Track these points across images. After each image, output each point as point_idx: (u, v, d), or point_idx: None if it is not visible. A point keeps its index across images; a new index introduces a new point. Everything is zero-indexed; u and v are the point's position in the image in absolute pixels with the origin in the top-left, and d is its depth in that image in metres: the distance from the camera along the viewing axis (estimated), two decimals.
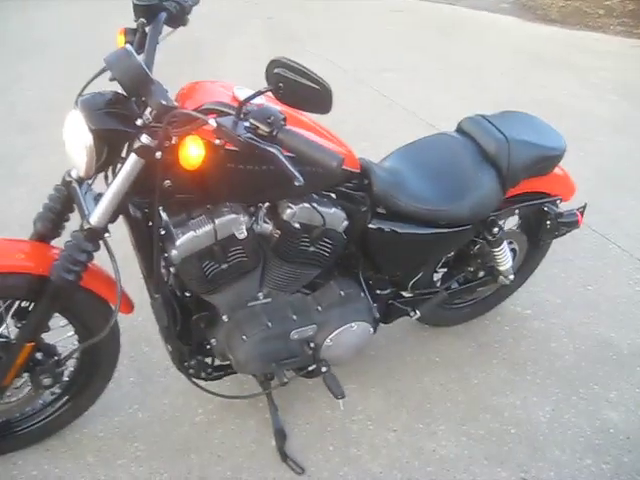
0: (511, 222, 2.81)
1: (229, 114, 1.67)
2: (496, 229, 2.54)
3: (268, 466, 2.32)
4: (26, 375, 2.12)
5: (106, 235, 1.90)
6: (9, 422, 2.29)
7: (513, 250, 2.85)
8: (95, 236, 1.88)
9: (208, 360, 2.33)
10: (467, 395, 2.65)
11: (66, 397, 2.32)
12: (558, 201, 2.73)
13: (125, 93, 1.75)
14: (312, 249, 2.15)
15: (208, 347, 2.28)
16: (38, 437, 2.35)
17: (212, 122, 1.61)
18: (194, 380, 2.29)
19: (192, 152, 1.70)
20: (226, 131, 1.62)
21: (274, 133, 1.61)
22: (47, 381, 2.09)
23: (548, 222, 2.70)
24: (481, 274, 2.77)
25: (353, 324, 2.31)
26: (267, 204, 2.08)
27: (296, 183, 1.57)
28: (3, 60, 5.27)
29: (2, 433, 2.28)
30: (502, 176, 2.42)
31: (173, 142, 1.75)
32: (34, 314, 2.00)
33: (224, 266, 2.02)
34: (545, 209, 2.69)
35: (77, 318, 2.12)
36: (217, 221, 1.94)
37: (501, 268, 2.70)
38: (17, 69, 5.57)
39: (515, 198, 2.59)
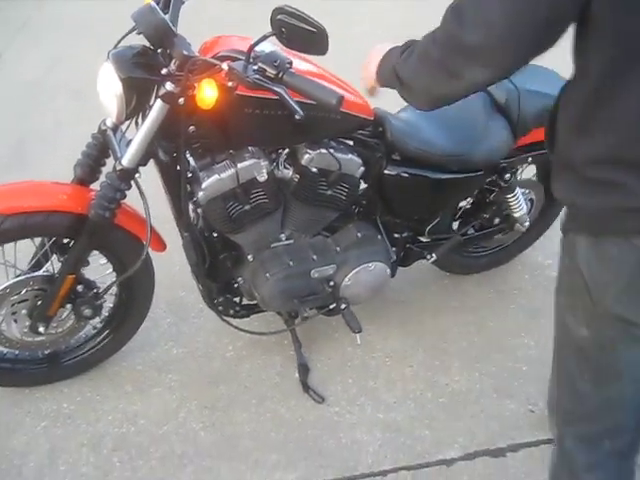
0: (529, 174, 2.93)
1: (240, 59, 1.84)
2: (508, 175, 2.65)
3: (290, 395, 2.50)
4: (69, 307, 2.33)
5: (136, 175, 2.09)
6: (57, 354, 2.52)
7: (531, 200, 2.95)
8: (127, 176, 2.07)
9: (236, 299, 2.52)
10: (483, 336, 2.78)
11: (107, 331, 2.54)
12: None
13: (151, 46, 1.93)
14: (330, 193, 2.31)
15: (236, 286, 2.47)
16: (82, 368, 2.57)
17: (224, 66, 1.79)
18: (224, 317, 2.48)
19: (207, 93, 1.86)
20: (237, 73, 1.79)
21: (280, 75, 1.78)
22: (88, 312, 2.31)
23: None
24: (496, 221, 2.87)
25: (370, 264, 2.46)
26: (287, 150, 2.26)
27: (297, 117, 1.74)
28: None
29: (51, 363, 2.52)
30: (513, 124, 2.52)
31: (194, 88, 1.93)
32: (74, 249, 2.21)
33: (247, 207, 2.20)
34: None
35: (113, 254, 2.33)
36: (239, 165, 2.11)
37: (516, 215, 2.80)
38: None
39: (528, 147, 2.70)
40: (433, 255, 2.73)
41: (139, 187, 2.13)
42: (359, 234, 2.46)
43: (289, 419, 2.41)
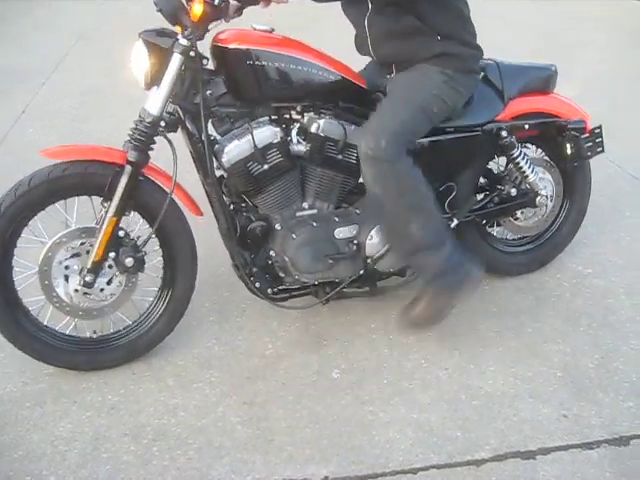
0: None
1: None
2: (505, 133, 2.79)
3: (327, 394, 2.56)
4: (112, 256, 2.48)
5: (162, 124, 2.40)
6: (107, 337, 2.68)
7: (550, 183, 3.07)
8: (154, 122, 2.37)
9: (269, 275, 2.67)
10: (519, 342, 2.80)
11: (161, 301, 2.67)
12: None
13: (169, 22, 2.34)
14: (340, 157, 2.58)
15: (269, 262, 2.64)
16: (129, 354, 2.68)
17: None
18: (259, 294, 2.65)
19: (195, 8, 2.25)
20: None
21: None
22: (129, 261, 2.47)
23: (561, 138, 2.91)
24: (513, 192, 2.96)
25: None
26: (298, 125, 2.57)
27: None
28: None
29: (99, 347, 2.66)
30: (498, 89, 2.78)
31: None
32: (116, 194, 2.41)
33: (265, 167, 2.49)
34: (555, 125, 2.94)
35: (147, 211, 2.54)
36: (255, 131, 2.45)
37: (529, 180, 2.94)
38: None
39: (523, 117, 2.89)
40: (454, 220, 2.80)
41: (167, 138, 2.47)
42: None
43: (324, 416, 2.46)
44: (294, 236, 2.59)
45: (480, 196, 2.97)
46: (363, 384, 2.60)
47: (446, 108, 2.57)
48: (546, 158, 3.09)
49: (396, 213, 2.46)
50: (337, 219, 2.66)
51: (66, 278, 2.48)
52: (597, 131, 2.95)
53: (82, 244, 2.49)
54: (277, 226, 2.60)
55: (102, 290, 2.53)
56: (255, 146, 2.44)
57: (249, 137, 2.44)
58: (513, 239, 3.23)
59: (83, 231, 2.49)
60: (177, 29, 2.35)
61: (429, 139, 2.63)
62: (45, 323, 2.60)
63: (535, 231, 3.17)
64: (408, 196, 2.44)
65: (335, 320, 2.92)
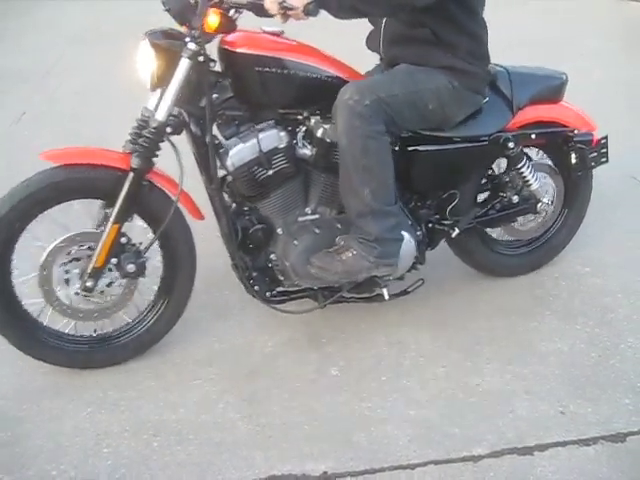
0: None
1: None
2: (512, 144, 2.76)
3: (325, 391, 2.58)
4: (114, 262, 2.50)
5: (168, 129, 2.40)
6: (108, 336, 2.69)
7: (551, 188, 3.07)
8: (161, 128, 2.37)
9: (268, 278, 2.68)
10: (517, 340, 2.83)
11: (157, 305, 2.69)
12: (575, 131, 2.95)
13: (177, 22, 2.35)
14: None
15: (270, 266, 2.65)
16: (136, 349, 2.71)
17: None
18: (257, 297, 2.67)
19: (211, 19, 2.27)
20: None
21: None
22: (131, 267, 2.49)
23: (567, 148, 2.92)
24: (515, 199, 2.95)
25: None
26: (304, 128, 2.54)
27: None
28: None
29: (100, 345, 2.68)
30: (508, 100, 2.74)
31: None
32: (119, 200, 2.42)
33: (270, 172, 2.49)
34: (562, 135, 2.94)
35: (150, 216, 2.55)
36: (261, 135, 2.46)
37: (532, 188, 2.93)
38: None
39: (530, 127, 2.88)
40: (456, 229, 2.82)
41: (172, 144, 2.47)
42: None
43: (323, 412, 2.49)
44: (295, 242, 2.59)
45: (481, 200, 2.99)
46: (361, 381, 2.62)
47: (440, 114, 2.58)
48: (550, 164, 3.09)
49: (354, 171, 2.44)
50: (339, 225, 2.65)
51: (67, 282, 2.49)
52: (603, 142, 2.97)
53: (82, 248, 2.49)
54: (279, 230, 2.60)
55: (102, 292, 2.54)
56: (260, 150, 2.46)
57: (254, 141, 2.46)
58: (510, 241, 3.23)
59: (84, 236, 2.50)
60: (183, 29, 2.36)
61: (436, 147, 2.64)
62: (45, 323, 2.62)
63: (533, 234, 3.18)
64: (370, 158, 2.42)
65: (334, 319, 2.94)
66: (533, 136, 2.88)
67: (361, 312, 2.94)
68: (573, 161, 2.92)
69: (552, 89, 2.91)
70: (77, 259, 2.49)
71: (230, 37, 2.43)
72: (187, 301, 2.71)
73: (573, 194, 3.15)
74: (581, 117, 3.00)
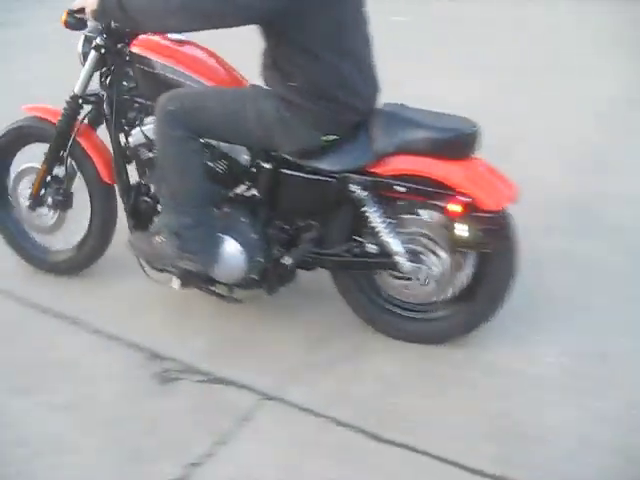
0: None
1: None
2: (356, 187, 2.57)
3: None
4: (41, 193, 3.14)
5: (79, 101, 2.97)
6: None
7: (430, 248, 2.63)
8: (76, 99, 2.97)
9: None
10: (515, 342, 2.80)
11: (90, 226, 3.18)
12: (460, 197, 2.47)
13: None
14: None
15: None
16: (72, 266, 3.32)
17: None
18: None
19: (63, 17, 2.73)
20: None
21: None
22: (57, 198, 3.12)
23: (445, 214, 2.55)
24: (370, 249, 2.68)
25: (224, 236, 2.71)
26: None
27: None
28: None
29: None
30: (371, 139, 2.54)
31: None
32: (49, 148, 3.06)
33: (150, 154, 2.84)
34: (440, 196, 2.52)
35: (78, 162, 3.10)
36: (143, 127, 2.84)
37: (388, 240, 2.58)
38: None
39: (399, 178, 2.55)
40: (289, 259, 2.73)
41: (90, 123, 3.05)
42: (227, 210, 2.79)
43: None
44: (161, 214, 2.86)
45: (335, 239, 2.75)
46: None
47: (264, 136, 2.58)
48: (433, 221, 2.63)
49: (159, 167, 2.71)
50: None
51: (24, 197, 3.21)
52: (502, 221, 2.50)
53: (32, 177, 3.17)
54: (159, 207, 2.87)
55: (45, 215, 3.20)
56: (146, 137, 2.82)
57: (140, 131, 2.85)
58: (420, 304, 2.80)
59: (32, 170, 3.17)
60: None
61: (282, 170, 2.64)
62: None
63: (430, 298, 2.75)
64: (167, 160, 2.65)
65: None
66: (400, 188, 2.53)
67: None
68: (456, 232, 2.49)
69: (444, 141, 2.49)
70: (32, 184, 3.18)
71: (137, 39, 2.84)
72: (112, 229, 3.18)
73: (487, 268, 2.63)
74: (480, 182, 2.49)
